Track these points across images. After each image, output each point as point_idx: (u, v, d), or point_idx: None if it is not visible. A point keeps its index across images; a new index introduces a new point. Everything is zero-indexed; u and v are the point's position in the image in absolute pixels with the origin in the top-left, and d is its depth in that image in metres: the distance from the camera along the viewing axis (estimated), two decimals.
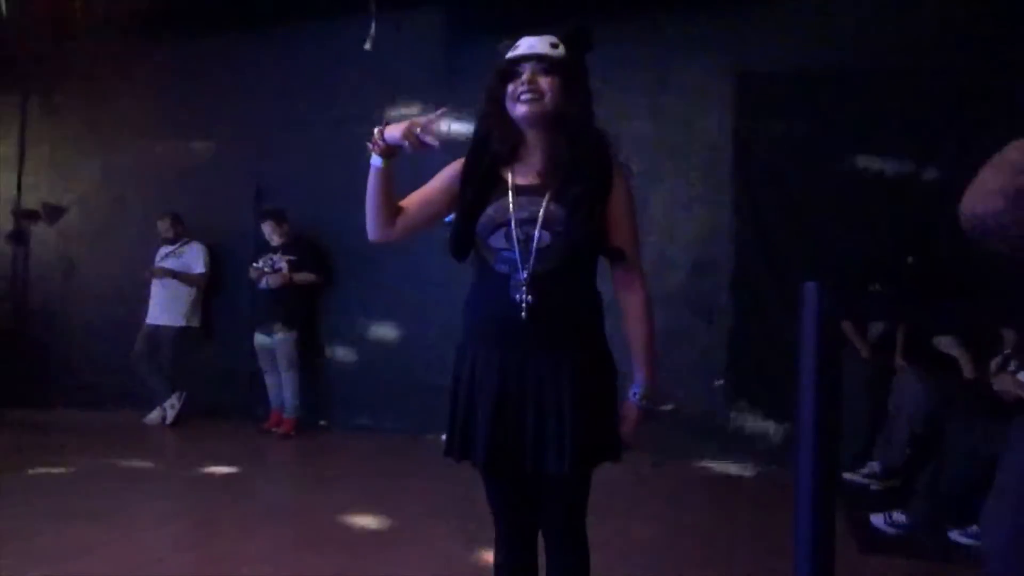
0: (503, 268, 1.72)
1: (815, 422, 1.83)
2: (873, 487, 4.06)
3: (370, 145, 1.73)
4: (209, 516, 3.68)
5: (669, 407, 5.07)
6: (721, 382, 5.01)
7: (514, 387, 1.71)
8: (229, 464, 4.75)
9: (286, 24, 6.13)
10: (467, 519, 3.68)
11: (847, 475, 4.15)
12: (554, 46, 1.73)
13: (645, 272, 1.82)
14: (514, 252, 1.70)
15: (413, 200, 1.85)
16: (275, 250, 5.81)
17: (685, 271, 5.11)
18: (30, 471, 4.42)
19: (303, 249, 5.84)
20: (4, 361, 6.62)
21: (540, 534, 1.89)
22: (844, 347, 4.44)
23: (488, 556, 3.14)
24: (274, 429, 5.68)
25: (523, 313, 1.67)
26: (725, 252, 5.09)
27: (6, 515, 3.59)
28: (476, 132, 1.81)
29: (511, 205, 1.71)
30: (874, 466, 4.14)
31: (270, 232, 5.83)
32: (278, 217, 5.82)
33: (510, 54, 1.74)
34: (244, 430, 5.69)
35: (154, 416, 5.94)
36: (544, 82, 1.70)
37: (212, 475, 4.51)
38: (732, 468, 4.74)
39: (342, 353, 6.03)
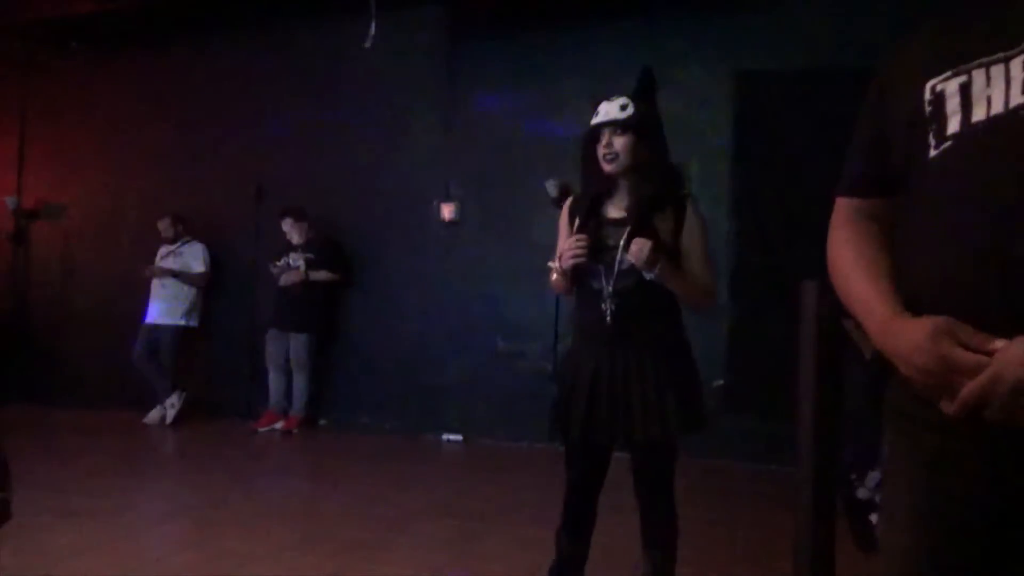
0: (596, 284, 2.16)
1: (815, 422, 1.82)
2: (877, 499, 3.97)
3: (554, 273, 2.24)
4: (209, 516, 3.68)
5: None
6: (721, 382, 5.02)
7: (606, 374, 2.13)
8: (229, 463, 4.76)
9: (286, 24, 6.14)
10: (467, 518, 3.69)
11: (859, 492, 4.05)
12: (623, 107, 2.14)
13: (715, 281, 2.25)
14: (602, 272, 2.14)
15: None
16: (296, 248, 5.81)
17: None
18: (30, 470, 4.42)
19: (323, 248, 5.83)
20: (4, 360, 6.63)
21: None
22: (846, 346, 4.41)
23: (488, 555, 3.15)
24: (262, 429, 5.67)
25: (608, 318, 2.13)
26: (724, 252, 5.09)
27: None
28: (583, 177, 2.25)
29: (602, 234, 2.16)
30: (875, 477, 4.06)
31: (289, 229, 5.83)
32: (296, 215, 5.81)
33: (593, 121, 2.18)
34: (244, 429, 5.69)
35: (154, 415, 5.94)
36: (618, 143, 2.14)
37: (212, 475, 4.51)
38: (732, 468, 4.74)
39: (342, 353, 6.03)
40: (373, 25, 5.22)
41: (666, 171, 2.20)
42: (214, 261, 6.23)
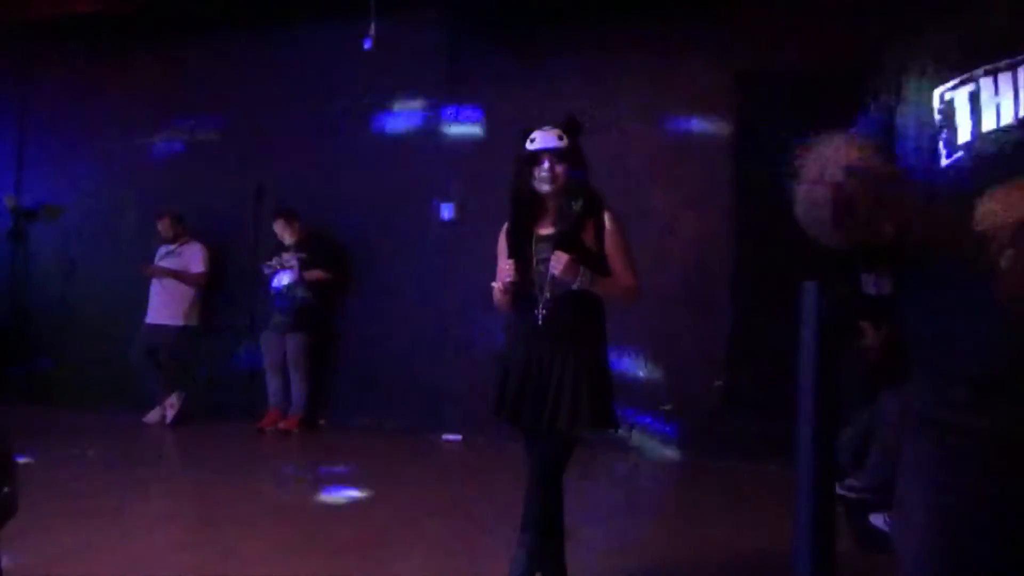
0: (535, 291, 2.48)
1: (815, 421, 1.83)
2: (870, 500, 3.87)
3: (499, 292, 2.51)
4: (209, 516, 3.69)
5: (667, 407, 5.07)
6: (720, 382, 5.01)
7: (535, 370, 2.46)
8: (229, 464, 4.76)
9: (286, 24, 6.13)
10: (467, 518, 3.69)
11: (841, 490, 3.96)
12: (560, 138, 2.50)
13: (639, 281, 2.54)
14: (537, 282, 2.47)
15: None
16: (288, 248, 5.81)
17: (685, 271, 5.11)
18: (30, 471, 4.42)
19: (316, 247, 5.83)
20: (3, 360, 6.62)
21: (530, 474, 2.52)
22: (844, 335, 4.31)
23: (488, 555, 3.15)
24: (268, 428, 5.67)
25: (540, 321, 2.46)
26: (724, 252, 5.09)
27: None
28: (513, 199, 2.59)
29: (535, 249, 2.51)
30: (865, 481, 3.96)
31: (281, 230, 5.83)
32: (288, 215, 5.81)
33: (531, 146, 2.51)
34: (243, 429, 5.69)
35: (154, 416, 5.94)
36: (558, 168, 2.49)
37: (212, 475, 4.51)
38: (732, 468, 4.75)
39: (342, 353, 6.03)
40: (373, 25, 5.22)
41: (587, 192, 2.53)
42: (213, 261, 6.23)
